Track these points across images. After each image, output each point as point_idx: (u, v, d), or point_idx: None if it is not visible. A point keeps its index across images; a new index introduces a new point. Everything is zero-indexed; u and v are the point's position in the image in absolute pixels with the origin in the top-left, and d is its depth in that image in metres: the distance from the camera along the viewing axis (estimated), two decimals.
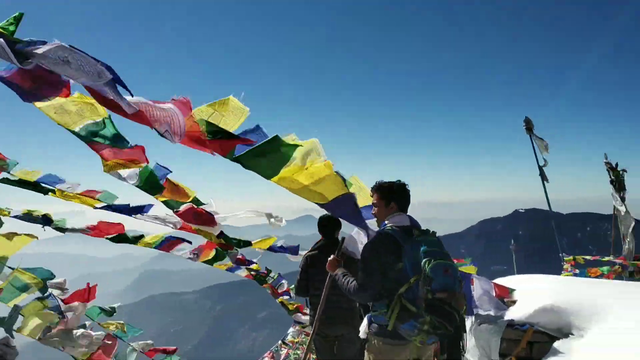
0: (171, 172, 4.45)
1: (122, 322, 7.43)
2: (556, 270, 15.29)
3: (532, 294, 5.80)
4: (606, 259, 15.97)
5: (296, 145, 3.36)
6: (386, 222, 3.90)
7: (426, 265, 3.39)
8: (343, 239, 4.85)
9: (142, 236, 6.62)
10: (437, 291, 3.33)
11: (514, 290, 6.02)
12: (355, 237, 5.06)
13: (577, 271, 15.32)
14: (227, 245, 6.80)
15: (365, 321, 3.98)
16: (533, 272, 7.67)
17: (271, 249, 7.16)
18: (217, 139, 3.04)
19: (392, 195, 3.92)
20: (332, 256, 4.46)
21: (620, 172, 15.35)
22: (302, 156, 3.42)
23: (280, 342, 15.23)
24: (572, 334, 4.90)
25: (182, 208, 5.18)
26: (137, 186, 4.39)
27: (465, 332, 5.27)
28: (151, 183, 4.42)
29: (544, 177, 15.04)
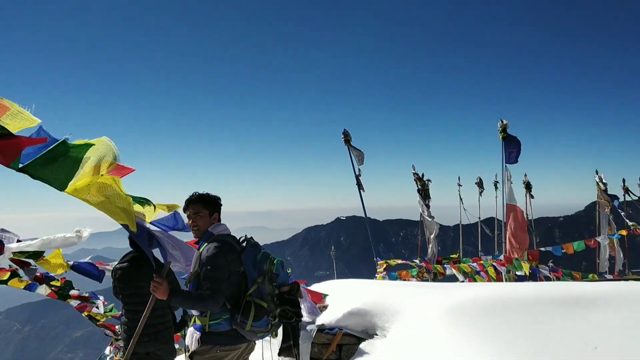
0: None
1: None
2: (373, 273, 16.23)
3: (343, 298, 6.05)
4: (413, 262, 17.21)
5: (88, 146, 3.03)
6: (211, 231, 3.96)
7: (270, 265, 3.84)
8: (169, 262, 4.58)
9: None
10: (282, 285, 3.89)
11: (326, 295, 6.22)
12: (173, 253, 4.83)
13: (386, 274, 16.29)
14: (23, 263, 6.11)
15: (193, 333, 3.85)
16: (352, 276, 8.06)
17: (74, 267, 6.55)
18: None
19: (216, 206, 4.06)
20: (157, 280, 3.98)
21: (426, 182, 16.80)
22: (95, 161, 3.09)
23: None
24: (376, 335, 5.19)
25: None
26: None
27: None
28: None
29: (360, 186, 15.96)
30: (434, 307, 5.17)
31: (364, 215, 16.88)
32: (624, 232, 17.51)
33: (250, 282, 3.84)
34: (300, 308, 3.95)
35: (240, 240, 4.04)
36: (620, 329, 4.59)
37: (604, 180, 18.23)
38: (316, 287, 7.20)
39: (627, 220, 17.65)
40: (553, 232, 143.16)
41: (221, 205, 4.13)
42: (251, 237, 4.08)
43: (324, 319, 5.70)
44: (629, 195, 18.97)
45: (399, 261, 17.36)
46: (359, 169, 15.52)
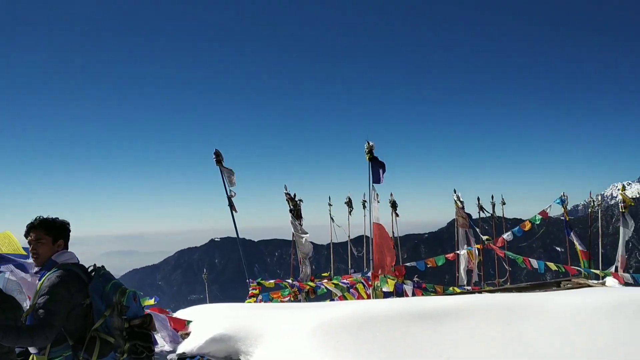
0: None
1: None
2: (246, 296, 16.00)
3: (207, 323, 5.86)
4: (285, 283, 17.19)
5: None
6: (55, 260, 3.65)
7: (120, 296, 3.56)
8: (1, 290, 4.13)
9: None
10: (133, 318, 3.59)
11: (190, 322, 6.00)
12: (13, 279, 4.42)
13: (261, 296, 16.14)
14: None
15: None
16: (226, 299, 7.86)
17: None
18: None
19: (61, 232, 3.75)
20: None
21: (298, 202, 16.95)
22: None
23: None
24: None
25: None
26: None
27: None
28: None
29: (232, 207, 15.74)
30: (300, 328, 5.17)
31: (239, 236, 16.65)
32: (479, 247, 18.86)
33: (97, 315, 3.56)
34: (152, 342, 3.68)
35: (89, 269, 3.74)
36: (469, 339, 4.89)
37: (461, 199, 19.59)
38: (183, 313, 6.94)
39: (482, 235, 19.05)
40: (419, 248, 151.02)
41: (69, 231, 3.81)
42: (101, 267, 3.79)
43: (186, 347, 5.48)
44: (483, 212, 20.56)
45: (273, 282, 17.30)
46: (231, 190, 15.32)
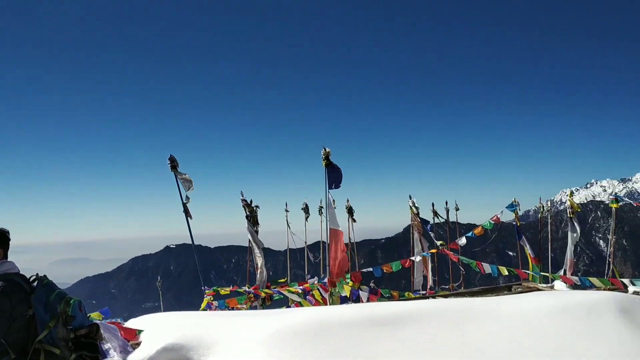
0: None
1: None
2: (201, 303, 15.75)
3: (159, 332, 5.73)
4: (242, 289, 17.06)
5: None
6: None
7: (65, 306, 3.49)
8: None
9: None
10: (79, 328, 3.54)
11: (141, 331, 5.86)
12: None
13: (216, 303, 15.94)
14: None
15: None
16: (180, 307, 7.70)
17: None
18: None
19: (1, 241, 3.67)
20: None
21: (254, 208, 16.83)
22: None
23: None
24: None
25: None
26: None
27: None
28: None
29: (187, 213, 15.50)
30: (254, 336, 5.12)
31: (195, 243, 16.41)
32: (433, 251, 19.14)
33: (41, 326, 3.45)
34: (99, 353, 3.66)
35: (31, 279, 3.63)
36: (423, 344, 4.95)
37: (416, 205, 19.85)
38: (134, 322, 6.77)
39: (436, 241, 19.35)
40: (376, 254, 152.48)
41: (9, 239, 3.71)
42: (44, 276, 3.67)
43: (136, 357, 5.33)
44: (437, 217, 20.88)
45: (228, 289, 17.11)
46: (187, 196, 15.11)
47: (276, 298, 16.72)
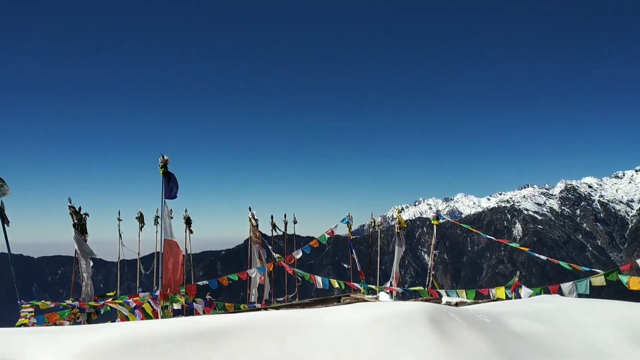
0: None
1: None
2: (17, 318, 14.43)
3: None
4: (66, 303, 15.98)
5: None
6: None
7: None
8: None
9: None
10: None
11: None
12: None
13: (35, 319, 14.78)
14: None
15: None
16: None
17: None
18: None
19: None
20: None
21: (83, 216, 15.83)
22: None
23: None
24: None
25: None
26: None
27: None
28: None
29: (3, 219, 14.16)
30: (62, 353, 4.73)
31: (15, 252, 14.99)
32: (270, 266, 19.43)
33: None
34: None
35: None
36: (246, 356, 4.95)
37: (255, 217, 20.03)
38: None
39: (274, 253, 19.69)
40: (216, 265, 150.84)
41: None
42: None
43: None
44: (276, 230, 21.25)
45: (50, 303, 15.85)
46: (1, 201, 13.89)
47: (103, 312, 15.91)
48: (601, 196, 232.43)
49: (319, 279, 17.08)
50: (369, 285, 16.76)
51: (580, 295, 13.41)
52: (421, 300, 12.66)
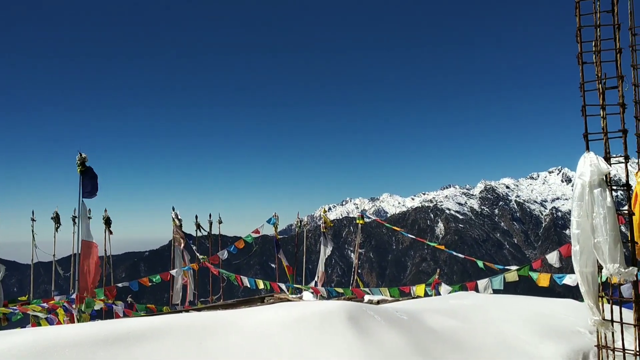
0: None
1: None
2: None
3: None
4: None
5: None
6: None
7: None
8: None
9: None
10: None
11: None
12: None
13: None
14: None
15: None
16: None
17: None
18: None
19: None
20: None
21: None
22: None
23: None
24: None
25: None
26: None
27: None
28: None
29: None
30: None
31: None
32: (194, 266, 19.09)
33: None
34: None
35: None
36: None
37: (179, 217, 19.61)
38: None
39: (198, 254, 19.36)
40: (139, 267, 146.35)
41: None
42: None
43: None
44: (201, 230, 20.89)
45: None
46: None
47: (14, 319, 15.14)
48: (517, 196, 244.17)
49: (245, 279, 16.95)
50: (295, 285, 16.80)
51: (495, 291, 14.00)
52: (343, 299, 12.83)
